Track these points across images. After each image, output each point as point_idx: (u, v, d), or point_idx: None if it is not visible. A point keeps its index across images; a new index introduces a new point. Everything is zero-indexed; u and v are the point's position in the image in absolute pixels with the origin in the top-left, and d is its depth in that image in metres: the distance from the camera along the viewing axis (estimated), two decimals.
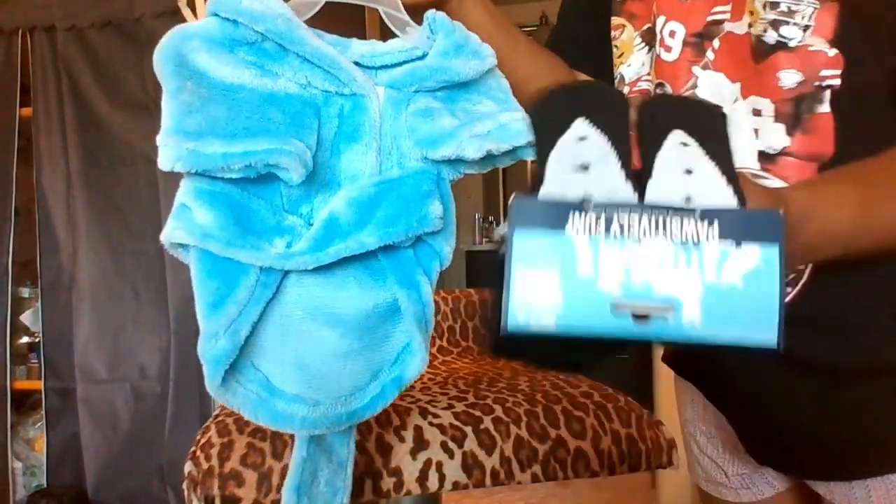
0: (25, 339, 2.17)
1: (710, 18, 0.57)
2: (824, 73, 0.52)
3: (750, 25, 0.55)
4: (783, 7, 0.53)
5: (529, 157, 0.48)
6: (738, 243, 0.33)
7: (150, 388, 2.04)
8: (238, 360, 0.47)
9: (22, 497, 2.09)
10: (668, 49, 0.59)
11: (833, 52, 0.52)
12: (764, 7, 0.54)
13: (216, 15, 0.48)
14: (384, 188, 0.48)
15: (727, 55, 0.56)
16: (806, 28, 0.53)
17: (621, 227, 0.34)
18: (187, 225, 0.46)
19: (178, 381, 2.00)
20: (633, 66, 0.65)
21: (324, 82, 0.49)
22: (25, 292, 2.17)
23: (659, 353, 0.87)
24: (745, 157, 0.54)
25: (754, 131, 0.54)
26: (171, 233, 0.47)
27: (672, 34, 0.59)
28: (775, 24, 0.54)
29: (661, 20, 0.59)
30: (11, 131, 2.08)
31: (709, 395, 0.72)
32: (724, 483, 0.75)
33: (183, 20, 1.94)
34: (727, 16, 0.56)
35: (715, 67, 0.56)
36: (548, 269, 0.34)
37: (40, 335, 2.08)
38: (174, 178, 0.45)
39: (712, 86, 0.56)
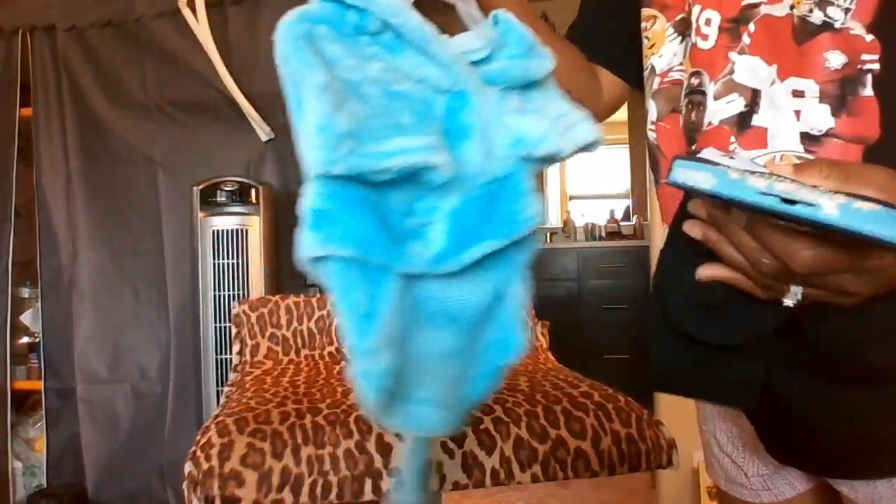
0: (25, 339, 2.17)
1: (745, 3, 0.57)
2: (864, 56, 0.53)
3: (792, 7, 0.55)
4: None
5: (592, 151, 0.52)
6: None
7: (150, 388, 2.04)
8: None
9: (22, 497, 2.09)
10: (705, 37, 0.59)
11: (870, 37, 0.52)
12: None
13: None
14: (497, 186, 0.47)
15: (764, 38, 0.56)
16: (847, 11, 0.53)
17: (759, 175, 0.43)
18: (338, 234, 0.40)
19: (177, 381, 2.00)
20: (664, 57, 0.65)
21: (438, 79, 0.47)
22: (25, 292, 2.18)
23: None
24: (787, 140, 0.53)
25: (795, 113, 0.54)
26: (323, 245, 0.40)
27: (708, 22, 0.59)
28: (821, 5, 0.54)
29: (696, 9, 0.60)
30: (11, 131, 2.09)
31: None
32: (744, 484, 0.74)
33: (183, 20, 1.94)
34: None
35: (751, 51, 0.56)
36: (704, 173, 0.43)
37: (40, 335, 2.09)
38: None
39: (748, 70, 0.56)
